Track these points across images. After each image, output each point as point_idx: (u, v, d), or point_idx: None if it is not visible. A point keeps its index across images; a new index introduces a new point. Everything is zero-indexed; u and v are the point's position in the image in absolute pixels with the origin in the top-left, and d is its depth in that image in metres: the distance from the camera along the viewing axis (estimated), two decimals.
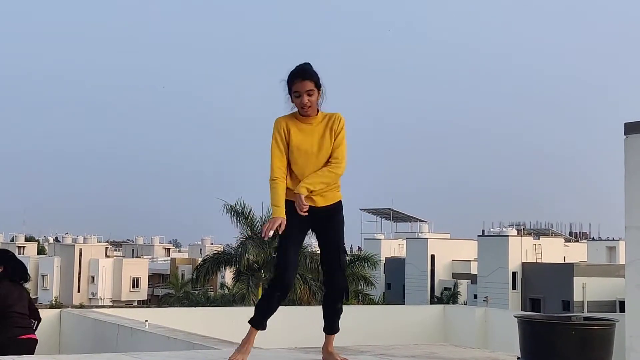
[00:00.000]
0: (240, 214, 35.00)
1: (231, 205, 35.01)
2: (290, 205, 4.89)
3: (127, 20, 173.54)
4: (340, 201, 5.05)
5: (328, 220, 4.99)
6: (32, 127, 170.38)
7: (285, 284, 4.88)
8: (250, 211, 35.29)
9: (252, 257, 34.54)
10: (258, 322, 4.95)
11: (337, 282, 4.99)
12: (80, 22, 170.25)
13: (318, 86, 4.93)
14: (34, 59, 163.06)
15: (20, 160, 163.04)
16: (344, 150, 4.96)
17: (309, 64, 4.98)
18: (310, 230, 5.08)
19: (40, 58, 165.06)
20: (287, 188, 4.93)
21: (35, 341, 8.61)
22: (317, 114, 4.98)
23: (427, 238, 62.36)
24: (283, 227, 4.73)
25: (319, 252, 5.15)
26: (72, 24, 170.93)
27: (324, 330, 5.14)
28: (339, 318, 5.09)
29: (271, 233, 4.73)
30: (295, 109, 4.98)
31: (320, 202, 4.93)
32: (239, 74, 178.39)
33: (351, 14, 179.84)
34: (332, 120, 4.97)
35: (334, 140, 4.95)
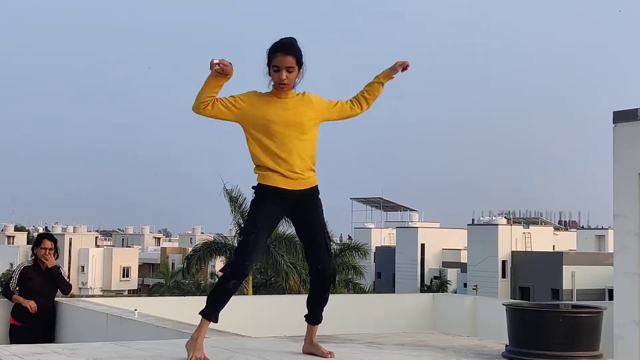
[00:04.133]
0: (235, 200, 34.93)
1: (227, 190, 34.95)
2: (266, 192, 4.66)
3: (112, 8, 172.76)
4: (317, 186, 4.81)
5: (308, 206, 4.75)
6: (21, 116, 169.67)
7: (247, 273, 4.62)
8: (245, 200, 35.23)
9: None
10: (212, 314, 4.59)
11: (328, 269, 4.76)
12: (65, 10, 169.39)
13: (299, 63, 4.69)
14: (22, 47, 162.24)
15: (9, 149, 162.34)
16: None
17: (294, 38, 4.74)
18: (287, 219, 4.89)
19: (27, 46, 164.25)
20: (269, 169, 4.67)
21: (13, 326, 9.00)
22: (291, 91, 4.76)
23: (417, 227, 62.49)
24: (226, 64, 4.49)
25: None
26: (58, 12, 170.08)
27: (308, 321, 4.89)
28: (324, 307, 4.88)
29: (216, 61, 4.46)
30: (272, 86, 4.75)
31: (298, 185, 4.67)
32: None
33: (342, 3, 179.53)
34: (304, 96, 4.80)
35: (319, 105, 4.81)
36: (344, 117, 4.97)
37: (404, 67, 4.97)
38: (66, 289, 9.18)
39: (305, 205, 4.74)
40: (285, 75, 4.63)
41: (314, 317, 4.88)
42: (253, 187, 4.76)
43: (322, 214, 4.81)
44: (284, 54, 4.64)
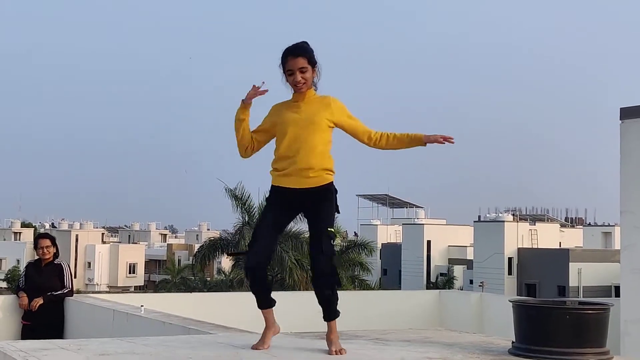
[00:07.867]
0: (239, 199, 34.92)
1: (230, 189, 34.95)
2: (276, 191, 4.85)
3: (113, 3, 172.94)
4: (328, 184, 4.87)
5: (315, 204, 4.82)
6: (28, 112, 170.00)
7: (252, 266, 4.80)
8: (248, 197, 35.24)
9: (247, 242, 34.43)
10: (262, 303, 4.91)
11: (321, 268, 4.77)
12: (68, 6, 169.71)
13: (312, 63, 4.80)
14: (31, 43, 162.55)
15: (16, 145, 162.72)
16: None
17: (304, 41, 4.85)
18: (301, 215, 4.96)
19: (36, 42, 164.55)
20: (275, 170, 4.87)
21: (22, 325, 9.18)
22: (310, 91, 4.87)
23: (423, 224, 62.40)
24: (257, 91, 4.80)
25: None
26: (64, 9, 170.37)
27: (324, 318, 4.94)
28: (332, 304, 4.87)
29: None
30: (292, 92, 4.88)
31: (305, 184, 4.80)
32: (237, 57, 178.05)
33: (353, 2, 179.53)
34: (324, 98, 4.89)
35: (338, 110, 4.88)
36: (354, 135, 5.00)
37: (446, 139, 5.11)
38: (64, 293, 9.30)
39: (312, 204, 4.84)
40: (300, 77, 4.77)
41: (323, 314, 4.92)
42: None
43: (326, 214, 4.85)
44: (294, 57, 4.79)
